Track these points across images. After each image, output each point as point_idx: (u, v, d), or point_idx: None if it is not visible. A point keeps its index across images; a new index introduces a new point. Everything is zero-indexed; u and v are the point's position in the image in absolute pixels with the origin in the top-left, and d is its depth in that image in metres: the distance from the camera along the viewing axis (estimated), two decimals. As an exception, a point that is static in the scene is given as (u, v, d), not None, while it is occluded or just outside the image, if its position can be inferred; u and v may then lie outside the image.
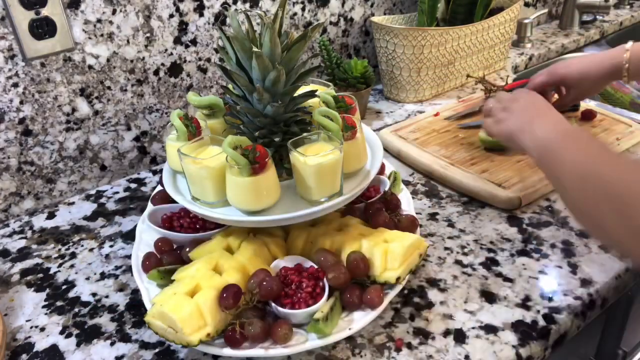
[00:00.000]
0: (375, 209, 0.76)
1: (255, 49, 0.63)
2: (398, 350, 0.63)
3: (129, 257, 0.80)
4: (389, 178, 0.84)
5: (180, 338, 0.59)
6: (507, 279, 0.71)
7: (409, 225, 0.74)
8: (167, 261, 0.71)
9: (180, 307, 0.59)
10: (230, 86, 0.71)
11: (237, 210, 0.68)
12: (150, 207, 0.81)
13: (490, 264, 0.74)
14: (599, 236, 0.60)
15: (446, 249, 0.78)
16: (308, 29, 0.66)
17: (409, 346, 0.63)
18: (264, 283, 0.62)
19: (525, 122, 0.73)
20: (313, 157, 0.65)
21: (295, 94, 0.71)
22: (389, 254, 0.66)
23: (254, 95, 0.67)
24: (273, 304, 0.63)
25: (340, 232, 0.71)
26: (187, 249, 0.71)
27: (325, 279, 0.65)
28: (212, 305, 0.60)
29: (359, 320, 0.63)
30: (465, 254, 0.76)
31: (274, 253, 0.71)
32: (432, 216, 0.84)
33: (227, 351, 0.60)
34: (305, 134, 0.69)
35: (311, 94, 0.72)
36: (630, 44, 0.87)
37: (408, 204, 0.81)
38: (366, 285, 0.66)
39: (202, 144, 0.71)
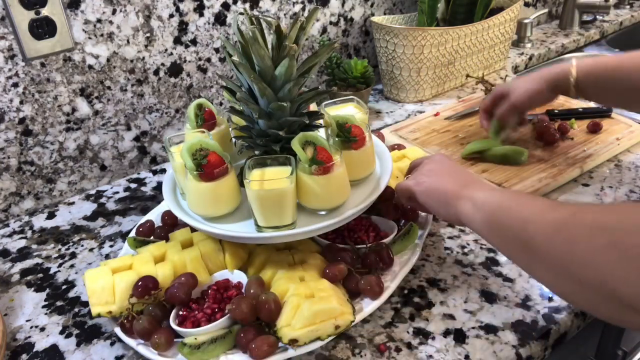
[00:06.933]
0: (339, 255, 0.68)
1: (261, 84, 0.62)
2: (398, 350, 0.63)
3: (129, 257, 0.80)
4: (404, 227, 0.74)
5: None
6: (507, 279, 0.71)
7: (367, 289, 0.65)
8: (157, 234, 0.75)
9: (97, 279, 0.64)
10: (227, 92, 0.71)
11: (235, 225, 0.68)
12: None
13: (490, 264, 0.74)
14: (590, 283, 0.51)
15: (446, 249, 0.78)
16: (318, 49, 0.65)
17: (409, 346, 0.63)
18: (173, 287, 0.63)
19: (458, 187, 0.63)
20: (256, 181, 0.62)
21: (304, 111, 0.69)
22: (298, 310, 0.60)
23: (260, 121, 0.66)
24: (172, 313, 0.63)
25: (291, 267, 0.67)
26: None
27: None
28: (125, 288, 0.63)
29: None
30: (465, 254, 0.76)
31: (227, 262, 0.69)
32: (432, 216, 0.84)
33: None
34: (271, 156, 0.66)
35: (316, 115, 0.70)
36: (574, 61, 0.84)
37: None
38: (264, 330, 0.61)
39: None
